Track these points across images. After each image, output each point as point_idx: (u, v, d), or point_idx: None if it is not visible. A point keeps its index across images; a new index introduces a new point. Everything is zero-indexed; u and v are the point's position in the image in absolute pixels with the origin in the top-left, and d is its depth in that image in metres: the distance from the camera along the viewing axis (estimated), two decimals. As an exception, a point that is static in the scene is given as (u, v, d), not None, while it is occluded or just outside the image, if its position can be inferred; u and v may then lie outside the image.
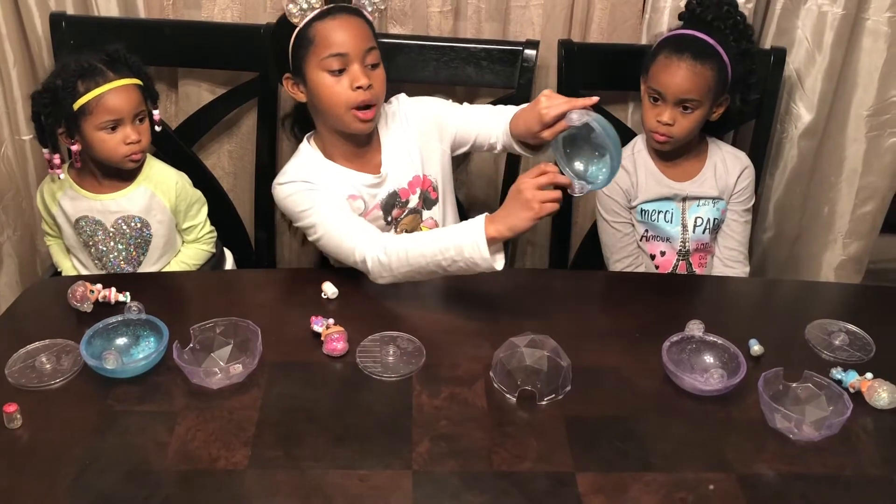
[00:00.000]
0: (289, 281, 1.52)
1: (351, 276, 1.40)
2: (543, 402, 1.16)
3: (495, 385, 1.18)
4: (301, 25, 1.41)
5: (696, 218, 1.67)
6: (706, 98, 1.56)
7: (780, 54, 1.76)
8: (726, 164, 1.68)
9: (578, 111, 1.22)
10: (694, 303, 1.48)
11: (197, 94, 1.82)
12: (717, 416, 1.16)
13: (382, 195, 1.52)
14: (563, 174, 1.25)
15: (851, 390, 1.20)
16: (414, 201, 1.55)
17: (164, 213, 1.59)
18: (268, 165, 1.79)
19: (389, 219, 1.54)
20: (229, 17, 1.75)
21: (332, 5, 1.42)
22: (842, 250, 1.97)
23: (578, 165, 1.27)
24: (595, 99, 1.24)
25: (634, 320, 1.37)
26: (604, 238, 1.71)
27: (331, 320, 1.27)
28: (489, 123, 1.51)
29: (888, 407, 1.17)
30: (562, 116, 1.24)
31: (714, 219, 1.67)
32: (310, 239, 1.46)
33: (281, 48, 1.46)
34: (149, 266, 1.61)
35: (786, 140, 1.90)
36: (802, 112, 1.84)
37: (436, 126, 1.56)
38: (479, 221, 1.26)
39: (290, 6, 1.39)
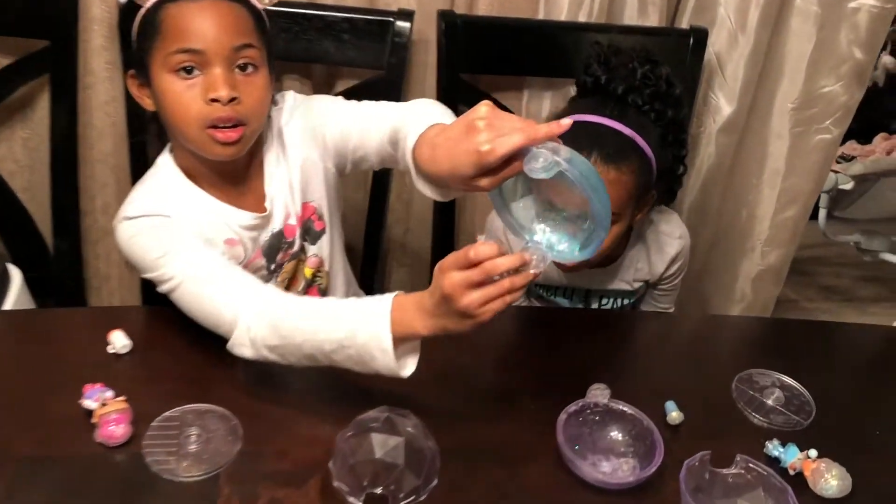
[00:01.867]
0: (65, 326, 1.14)
1: (153, 320, 1.05)
2: (399, 509, 0.85)
3: (335, 484, 0.87)
4: (148, 5, 1.01)
5: (602, 298, 1.38)
6: (626, 209, 1.17)
7: (699, 35, 1.49)
8: (651, 254, 1.34)
9: (544, 148, 0.77)
10: (598, 349, 1.17)
11: (-28, 66, 1.40)
12: (627, 515, 0.88)
13: (265, 237, 1.13)
14: (511, 232, 0.87)
15: (792, 472, 0.95)
16: (296, 241, 1.17)
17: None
18: (68, 158, 1.41)
19: (273, 266, 1.16)
20: (12, -34, 1.34)
21: None
22: (760, 259, 1.76)
23: (537, 225, 0.85)
24: (568, 124, 0.78)
25: (523, 376, 1.08)
26: None
27: (109, 393, 0.92)
28: (370, 130, 1.08)
29: (837, 496, 0.92)
30: (513, 156, 0.78)
31: (624, 300, 1.38)
32: (160, 290, 1.02)
33: (126, 33, 1.06)
34: None
35: (703, 135, 1.65)
36: (722, 103, 1.60)
37: (313, 136, 1.14)
38: (384, 303, 0.88)
39: None
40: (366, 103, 1.11)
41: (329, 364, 0.92)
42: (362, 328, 0.88)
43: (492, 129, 0.78)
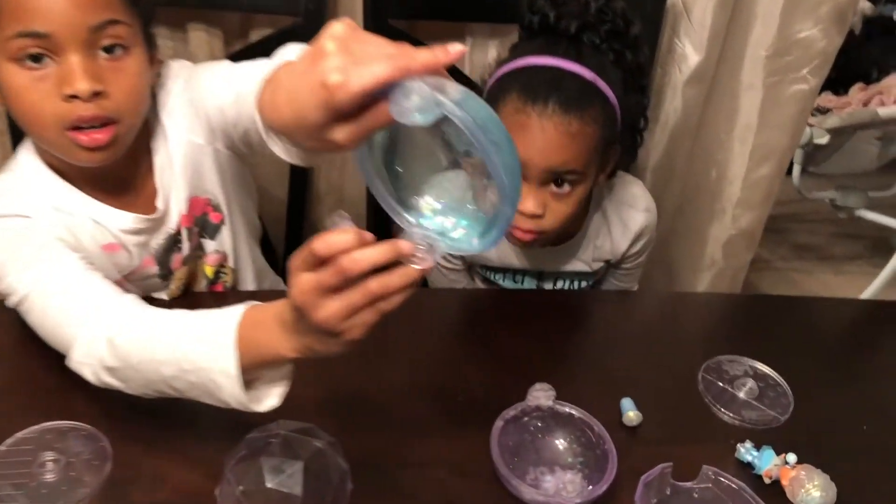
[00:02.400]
0: None
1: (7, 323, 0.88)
2: (295, 546, 0.70)
3: (221, 517, 0.72)
4: None
5: (557, 280, 1.20)
6: (591, 165, 1.01)
7: (662, -26, 1.32)
8: (612, 229, 1.17)
9: (421, 81, 0.54)
10: (543, 338, 1.00)
11: None
12: (574, 542, 0.74)
13: (159, 241, 0.96)
14: (387, 210, 0.65)
15: (767, 480, 0.81)
16: (190, 239, 0.99)
17: None
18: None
19: (165, 272, 0.99)
20: None
21: None
22: (731, 223, 1.61)
23: (423, 200, 0.64)
24: (460, 49, 0.56)
25: (453, 374, 0.93)
26: (430, 279, 1.22)
27: (-58, 414, 0.75)
28: (245, 96, 0.81)
29: (820, 508, 0.79)
30: (380, 93, 0.54)
31: (581, 282, 1.21)
32: (7, 304, 0.84)
33: None
34: None
35: (668, 87, 1.49)
36: (689, 52, 1.43)
37: (196, 115, 0.94)
38: (230, 318, 0.69)
39: None
40: (248, 63, 0.88)
41: (176, 394, 0.74)
42: (203, 348, 0.70)
43: (346, 54, 0.54)
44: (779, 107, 1.49)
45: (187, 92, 0.94)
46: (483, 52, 1.38)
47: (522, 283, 1.20)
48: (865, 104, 2.47)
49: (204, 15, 1.27)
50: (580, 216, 1.14)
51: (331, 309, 0.60)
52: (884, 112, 2.30)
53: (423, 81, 0.53)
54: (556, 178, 0.99)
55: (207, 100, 0.92)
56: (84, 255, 0.86)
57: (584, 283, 1.21)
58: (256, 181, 1.11)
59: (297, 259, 0.61)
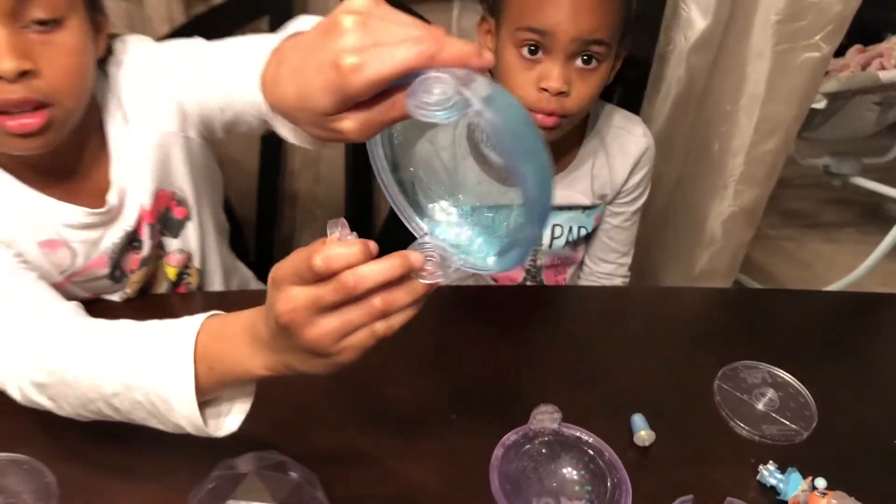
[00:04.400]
0: None
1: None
2: None
3: (182, 567, 0.62)
4: None
5: (555, 227, 1.12)
6: (614, 41, 0.96)
7: (670, -69, 1.21)
8: (611, 154, 1.10)
9: (448, 73, 0.46)
10: (542, 350, 0.91)
11: None
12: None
13: (112, 239, 0.85)
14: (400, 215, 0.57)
15: (793, 508, 0.73)
16: (149, 236, 0.88)
17: None
18: None
19: (118, 273, 0.88)
20: None
21: None
22: (733, 199, 1.53)
23: (439, 206, 0.57)
24: (490, 58, 0.47)
25: (447, 394, 0.83)
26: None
27: None
28: (240, 79, 0.75)
29: (853, 541, 0.71)
30: (398, 84, 0.47)
31: (580, 228, 1.13)
32: None
33: None
34: None
35: (671, 54, 1.39)
36: (695, 16, 1.33)
37: (166, 99, 0.83)
38: (189, 327, 0.60)
39: None
40: (232, 41, 0.78)
41: (118, 417, 0.64)
42: (153, 364, 0.60)
43: (365, 33, 0.47)
44: (788, 76, 1.39)
45: (153, 74, 0.82)
46: (473, 18, 1.26)
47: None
48: (864, 67, 2.39)
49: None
50: (575, 140, 1.09)
51: (325, 328, 0.51)
52: (885, 76, 2.21)
53: (450, 73, 0.45)
54: (583, 50, 0.94)
55: (183, 82, 0.81)
56: (16, 253, 0.75)
57: (582, 229, 1.13)
58: (224, 151, 1.00)
59: (283, 270, 0.52)
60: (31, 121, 0.70)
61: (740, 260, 1.63)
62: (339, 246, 0.49)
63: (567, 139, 1.06)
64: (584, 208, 1.12)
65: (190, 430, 0.62)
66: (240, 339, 0.58)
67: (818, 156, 2.53)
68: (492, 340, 0.91)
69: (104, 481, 0.69)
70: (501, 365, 0.87)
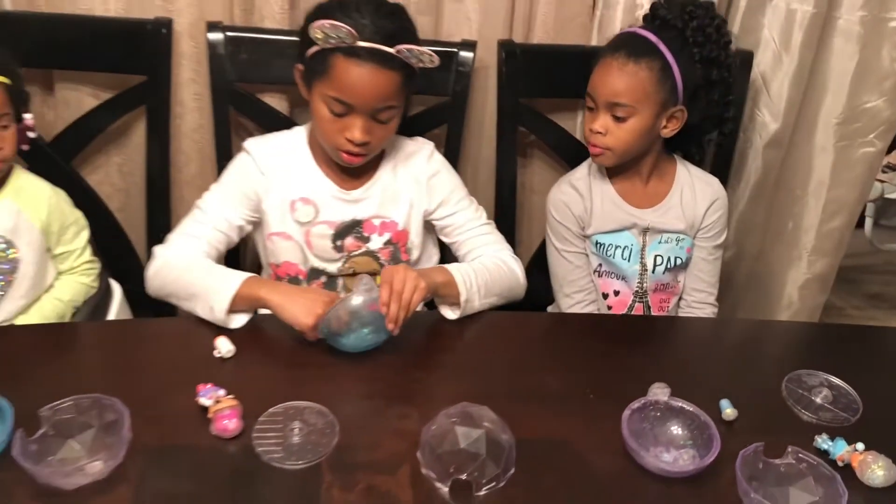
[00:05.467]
0: (174, 334, 1.26)
1: (252, 328, 1.18)
2: (482, 493, 0.95)
3: (423, 471, 0.97)
4: (319, 44, 1.21)
5: (657, 256, 1.47)
6: (642, 104, 1.34)
7: (745, 57, 1.58)
8: (695, 191, 1.47)
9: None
10: (655, 353, 1.28)
11: (77, 99, 1.55)
12: (688, 502, 0.97)
13: (343, 217, 1.35)
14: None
15: (840, 464, 1.02)
16: (377, 243, 1.37)
17: (32, 234, 1.34)
18: (160, 182, 1.55)
19: (339, 244, 1.36)
20: (112, 10, 1.48)
21: (365, 45, 1.19)
22: (807, 268, 1.82)
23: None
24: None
25: (588, 377, 1.17)
26: (554, 268, 1.51)
27: (221, 391, 1.04)
28: (462, 240, 1.42)
29: (884, 485, 1.00)
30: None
31: (676, 258, 1.48)
32: None
33: (302, 37, 1.26)
34: (15, 299, 1.34)
35: (750, 150, 1.73)
36: (768, 120, 1.67)
37: (428, 194, 1.40)
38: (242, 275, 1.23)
39: (318, 31, 1.17)
40: (479, 223, 1.43)
41: (183, 298, 1.24)
42: (221, 278, 1.23)
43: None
44: (849, 167, 1.70)
45: (442, 183, 1.42)
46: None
47: (631, 244, 1.47)
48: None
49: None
50: (664, 166, 1.48)
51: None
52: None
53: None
54: (614, 107, 1.34)
55: (441, 210, 1.42)
56: (255, 208, 1.36)
57: (679, 242, 1.47)
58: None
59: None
60: (354, 158, 1.29)
61: (816, 321, 1.89)
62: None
63: (661, 176, 1.48)
64: (678, 235, 1.47)
65: (218, 315, 1.18)
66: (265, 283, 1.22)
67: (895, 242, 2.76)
68: (623, 345, 1.27)
69: (366, 421, 1.05)
70: (628, 361, 1.22)
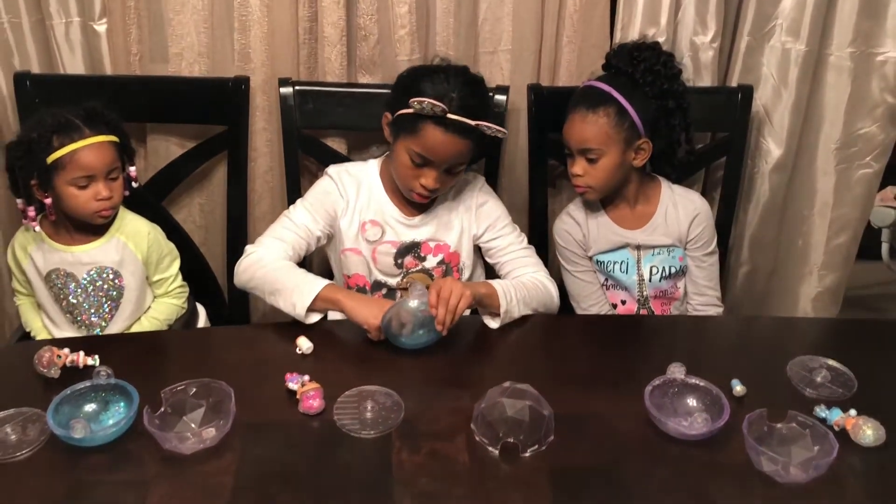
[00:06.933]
0: (262, 337, 1.48)
1: (326, 330, 1.38)
2: (527, 454, 1.13)
3: (477, 438, 1.16)
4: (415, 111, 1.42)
5: (652, 267, 1.66)
6: (608, 145, 1.54)
7: (747, 91, 1.78)
8: (678, 208, 1.65)
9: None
10: (673, 344, 1.47)
11: (166, 148, 1.80)
12: (703, 460, 1.14)
13: (404, 239, 1.57)
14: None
15: (836, 428, 1.18)
16: (431, 262, 1.59)
17: (136, 265, 1.56)
18: (238, 218, 1.77)
19: (400, 262, 1.58)
20: (197, 71, 1.74)
21: (453, 118, 1.41)
22: (818, 282, 1.98)
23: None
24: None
25: (614, 364, 1.36)
26: (570, 289, 1.71)
27: (306, 377, 1.24)
28: (509, 270, 1.60)
29: (874, 444, 1.15)
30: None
31: (670, 267, 1.66)
32: None
33: (395, 93, 1.50)
34: (120, 321, 1.57)
35: (757, 175, 1.91)
36: (772, 147, 1.86)
37: (476, 220, 1.60)
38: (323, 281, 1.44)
39: (416, 104, 1.40)
40: (520, 247, 1.61)
41: (267, 293, 1.46)
42: (304, 280, 1.45)
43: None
44: (849, 187, 1.87)
45: (489, 210, 1.62)
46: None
47: (627, 259, 1.65)
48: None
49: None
50: (648, 190, 1.66)
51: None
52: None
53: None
54: (586, 153, 1.55)
55: (487, 234, 1.62)
56: (331, 224, 1.59)
57: (671, 253, 1.65)
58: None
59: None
60: (426, 200, 1.54)
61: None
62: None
63: (647, 199, 1.65)
64: (669, 250, 1.64)
65: (298, 311, 1.40)
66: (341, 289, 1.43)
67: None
68: (644, 337, 1.47)
69: (427, 400, 1.24)
70: (648, 349, 1.42)
